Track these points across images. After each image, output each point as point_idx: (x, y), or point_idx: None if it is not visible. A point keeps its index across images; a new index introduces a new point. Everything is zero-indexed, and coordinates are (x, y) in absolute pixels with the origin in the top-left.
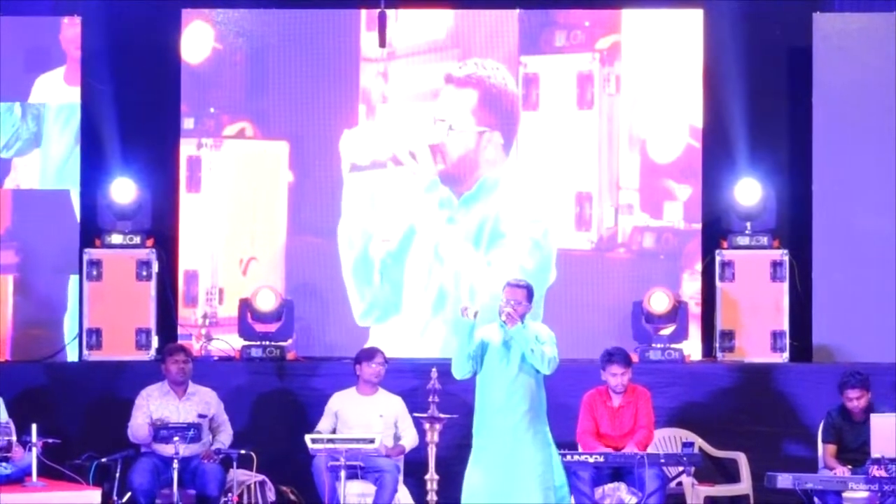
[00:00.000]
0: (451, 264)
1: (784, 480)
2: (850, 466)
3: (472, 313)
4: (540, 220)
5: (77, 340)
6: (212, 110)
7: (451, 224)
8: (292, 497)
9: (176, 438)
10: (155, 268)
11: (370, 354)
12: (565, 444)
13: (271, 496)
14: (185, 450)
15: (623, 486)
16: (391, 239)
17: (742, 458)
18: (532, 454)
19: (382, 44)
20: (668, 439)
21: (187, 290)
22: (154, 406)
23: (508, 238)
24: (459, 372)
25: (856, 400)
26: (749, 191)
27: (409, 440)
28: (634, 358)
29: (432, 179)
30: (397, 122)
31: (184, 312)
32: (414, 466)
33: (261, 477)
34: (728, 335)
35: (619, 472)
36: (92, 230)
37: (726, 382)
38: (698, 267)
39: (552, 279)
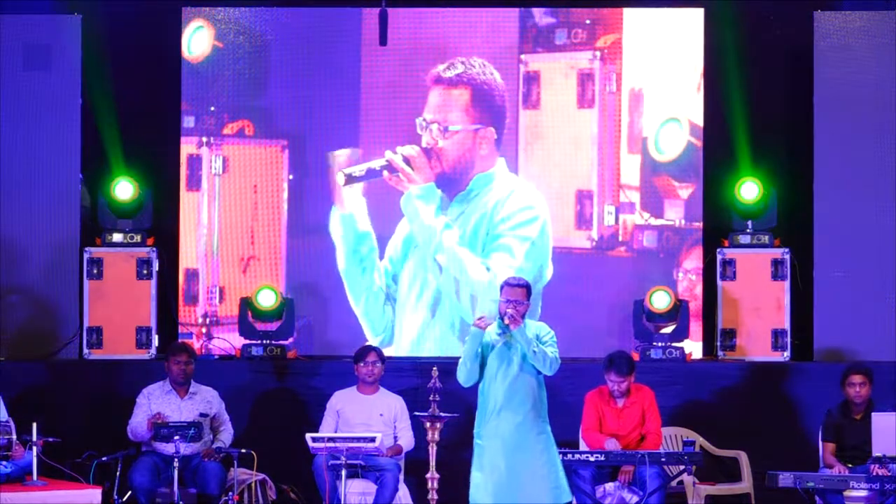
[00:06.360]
0: (450, 265)
1: (785, 479)
2: (849, 465)
3: (486, 324)
4: (537, 217)
5: (77, 339)
6: (212, 109)
7: (447, 227)
8: (293, 496)
9: (176, 437)
10: (155, 266)
11: (363, 354)
12: (566, 442)
13: (272, 495)
14: (185, 448)
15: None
16: (390, 244)
17: (743, 457)
18: (536, 454)
19: (383, 42)
20: (669, 438)
21: (188, 288)
22: (155, 405)
23: (504, 236)
24: (467, 380)
25: (858, 386)
26: (750, 189)
27: (406, 441)
28: (636, 357)
29: (429, 184)
30: (395, 124)
31: (184, 311)
32: (414, 465)
33: (261, 476)
34: (729, 334)
35: (619, 470)
36: (92, 228)
37: (727, 381)
38: (699, 265)
39: (549, 276)
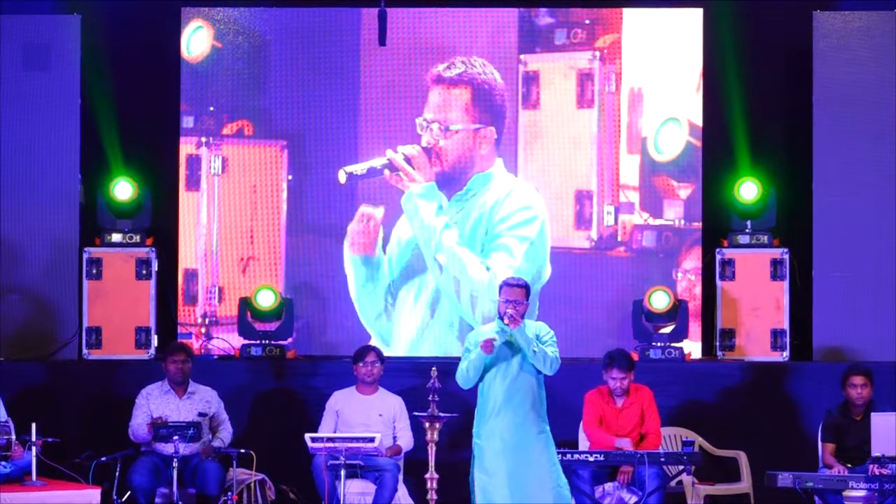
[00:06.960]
0: (450, 265)
1: (784, 479)
2: (848, 465)
3: (492, 351)
4: (535, 217)
5: (77, 339)
6: (211, 109)
7: (447, 227)
8: (292, 496)
9: (175, 437)
10: (154, 266)
11: (363, 354)
12: (566, 442)
13: (271, 495)
14: (184, 448)
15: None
16: (390, 244)
17: (742, 457)
18: (536, 454)
19: (382, 42)
20: (668, 438)
21: (187, 288)
22: (154, 405)
23: (503, 236)
24: (466, 384)
25: (860, 388)
26: (749, 189)
27: (405, 441)
28: (635, 356)
29: (430, 183)
30: (394, 124)
31: (183, 311)
32: (414, 465)
33: (260, 476)
34: (728, 334)
35: (618, 470)
36: (92, 229)
37: (726, 381)
38: (698, 265)
39: (547, 277)
